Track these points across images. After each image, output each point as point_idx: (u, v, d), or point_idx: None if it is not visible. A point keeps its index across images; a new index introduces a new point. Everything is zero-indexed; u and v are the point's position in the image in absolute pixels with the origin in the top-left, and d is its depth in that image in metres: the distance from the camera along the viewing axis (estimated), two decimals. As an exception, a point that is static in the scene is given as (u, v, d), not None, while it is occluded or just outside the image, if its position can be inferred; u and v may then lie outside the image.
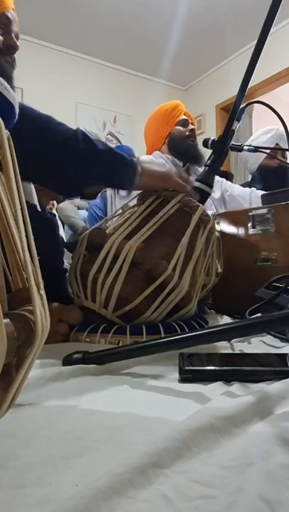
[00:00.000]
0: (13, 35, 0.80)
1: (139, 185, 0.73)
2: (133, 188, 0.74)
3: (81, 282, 0.66)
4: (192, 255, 0.67)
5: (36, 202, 0.83)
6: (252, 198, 1.49)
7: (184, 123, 1.55)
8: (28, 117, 0.63)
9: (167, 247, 0.66)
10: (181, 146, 1.52)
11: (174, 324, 0.63)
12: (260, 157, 1.78)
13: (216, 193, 1.52)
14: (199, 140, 1.33)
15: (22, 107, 0.45)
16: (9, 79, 0.77)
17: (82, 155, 0.67)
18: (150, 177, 0.73)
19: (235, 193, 1.53)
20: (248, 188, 1.57)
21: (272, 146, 1.67)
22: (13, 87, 0.85)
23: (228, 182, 1.62)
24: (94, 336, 0.61)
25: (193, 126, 1.57)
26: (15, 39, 0.79)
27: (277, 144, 1.68)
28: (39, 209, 0.83)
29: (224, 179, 1.61)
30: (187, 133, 1.53)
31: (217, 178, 1.41)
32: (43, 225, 0.78)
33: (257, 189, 1.56)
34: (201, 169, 1.48)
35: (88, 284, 0.64)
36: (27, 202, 0.77)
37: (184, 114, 1.57)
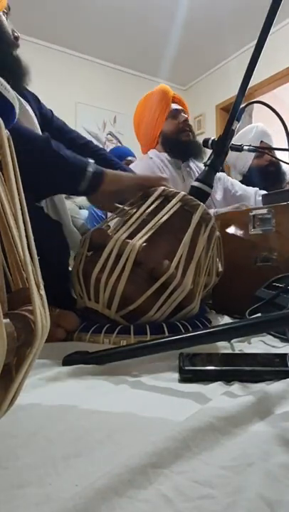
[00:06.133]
0: None
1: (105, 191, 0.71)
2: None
3: (84, 283, 0.66)
4: (194, 254, 0.67)
5: (43, 204, 0.83)
6: (256, 198, 1.46)
7: (175, 114, 1.42)
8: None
9: (169, 246, 0.66)
10: (176, 144, 1.41)
11: (177, 324, 0.63)
12: (249, 158, 1.75)
13: (217, 194, 1.45)
14: (199, 140, 1.30)
15: None
16: None
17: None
18: (112, 184, 0.71)
19: (239, 193, 1.48)
20: (251, 188, 1.54)
21: (257, 144, 1.63)
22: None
23: (230, 178, 1.57)
24: (98, 336, 0.61)
25: (185, 116, 1.45)
26: None
27: (262, 142, 1.66)
28: (46, 211, 0.83)
29: (224, 174, 1.55)
30: (180, 125, 1.41)
31: (218, 174, 1.32)
32: (50, 226, 0.78)
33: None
34: (202, 165, 1.46)
35: (91, 284, 0.63)
36: (35, 204, 0.77)
37: (174, 100, 1.45)
